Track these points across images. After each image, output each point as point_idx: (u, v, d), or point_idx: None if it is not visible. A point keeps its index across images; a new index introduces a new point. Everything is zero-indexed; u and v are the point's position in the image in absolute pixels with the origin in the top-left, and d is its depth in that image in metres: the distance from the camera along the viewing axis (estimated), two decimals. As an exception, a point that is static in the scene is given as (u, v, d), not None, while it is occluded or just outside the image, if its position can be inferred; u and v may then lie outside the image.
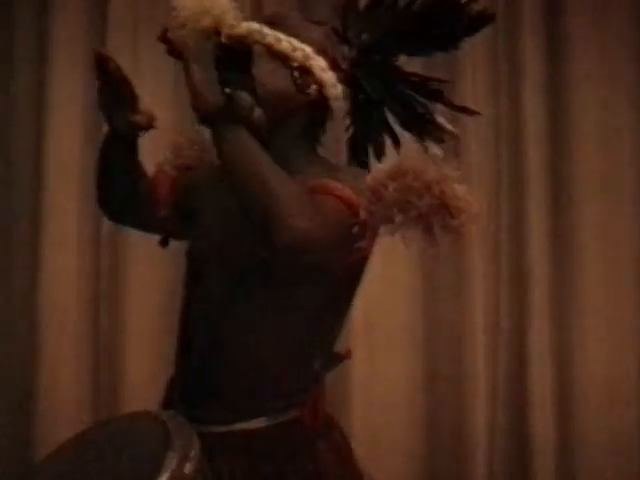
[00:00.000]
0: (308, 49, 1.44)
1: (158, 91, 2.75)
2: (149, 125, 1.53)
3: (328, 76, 1.46)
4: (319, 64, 1.45)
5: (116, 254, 2.71)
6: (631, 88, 2.83)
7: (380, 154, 1.56)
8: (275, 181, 1.31)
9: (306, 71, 1.45)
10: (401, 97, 1.54)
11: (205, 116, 1.32)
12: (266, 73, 1.43)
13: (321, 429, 1.51)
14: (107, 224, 2.62)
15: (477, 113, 1.66)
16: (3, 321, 2.75)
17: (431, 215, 1.36)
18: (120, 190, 1.62)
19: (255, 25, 1.43)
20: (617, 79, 2.82)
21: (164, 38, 1.35)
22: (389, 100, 1.54)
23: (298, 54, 1.44)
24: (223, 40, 1.40)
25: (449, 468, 2.75)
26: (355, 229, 1.37)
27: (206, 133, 1.57)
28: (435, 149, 1.54)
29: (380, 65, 1.54)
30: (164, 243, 1.69)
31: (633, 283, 2.82)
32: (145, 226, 1.72)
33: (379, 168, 1.44)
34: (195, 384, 1.49)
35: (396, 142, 1.56)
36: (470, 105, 2.61)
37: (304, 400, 1.48)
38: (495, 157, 2.81)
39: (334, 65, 1.48)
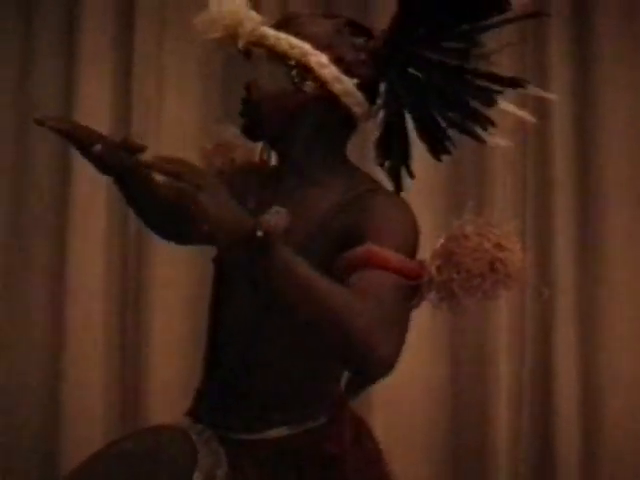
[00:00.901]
0: (306, 46, 1.40)
1: (184, 94, 2.77)
2: (136, 152, 1.43)
3: (329, 71, 1.40)
4: (318, 60, 1.39)
5: (142, 255, 2.72)
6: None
7: (406, 157, 1.47)
8: (345, 311, 1.16)
9: (306, 69, 1.40)
10: (438, 88, 1.43)
11: (238, 247, 1.13)
12: (264, 75, 1.42)
13: (349, 435, 1.48)
14: (134, 224, 2.64)
15: (524, 84, 1.52)
16: (29, 323, 2.77)
17: (491, 291, 1.29)
18: (154, 216, 1.61)
19: (263, 29, 1.42)
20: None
21: (147, 163, 1.13)
22: (422, 92, 1.43)
23: (295, 52, 1.40)
24: (240, 47, 1.41)
25: (472, 471, 2.74)
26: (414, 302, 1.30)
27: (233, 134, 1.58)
28: (487, 137, 1.47)
29: (412, 55, 1.42)
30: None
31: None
32: (198, 241, 1.67)
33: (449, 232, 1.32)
34: (224, 393, 1.47)
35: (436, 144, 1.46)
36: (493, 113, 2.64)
37: (330, 408, 1.46)
38: (522, 163, 2.80)
39: (339, 59, 1.41)
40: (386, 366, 1.19)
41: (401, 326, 1.24)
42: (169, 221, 1.51)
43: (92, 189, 2.69)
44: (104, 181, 1.65)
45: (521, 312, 2.78)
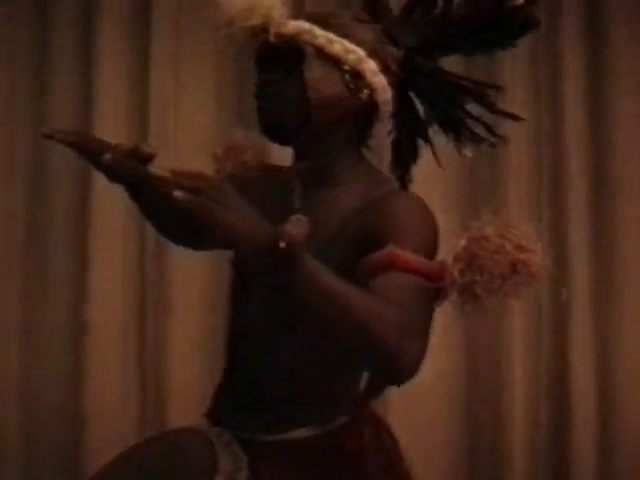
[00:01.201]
0: (361, 52, 1.39)
1: (201, 96, 2.78)
2: (147, 159, 1.42)
3: (379, 80, 1.40)
4: (371, 67, 1.39)
5: (161, 255, 2.73)
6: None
7: (415, 156, 1.52)
8: (369, 318, 1.15)
9: (358, 75, 1.39)
10: (445, 99, 1.48)
11: (260, 258, 1.10)
12: (319, 77, 1.38)
13: (369, 435, 1.48)
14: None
15: (521, 119, 1.58)
16: (49, 324, 2.78)
17: (513, 292, 1.30)
18: (167, 224, 1.61)
19: (305, 24, 1.38)
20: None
21: (163, 179, 1.12)
22: (434, 102, 1.49)
23: (351, 57, 1.38)
24: (271, 39, 1.36)
25: (489, 468, 2.75)
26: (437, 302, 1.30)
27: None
28: (467, 151, 1.50)
29: (425, 67, 1.48)
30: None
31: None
32: (214, 248, 1.63)
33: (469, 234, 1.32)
34: (244, 394, 1.47)
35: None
36: (510, 109, 2.64)
37: (351, 408, 1.47)
38: (537, 159, 2.81)
39: (385, 68, 1.41)
40: (411, 371, 1.20)
41: (425, 329, 1.24)
42: (183, 229, 1.53)
43: (111, 190, 2.70)
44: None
45: (537, 309, 2.79)
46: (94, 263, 2.71)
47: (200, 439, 1.42)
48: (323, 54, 1.38)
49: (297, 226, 1.18)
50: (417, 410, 2.69)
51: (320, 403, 1.44)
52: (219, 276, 2.46)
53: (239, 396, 1.48)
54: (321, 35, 1.37)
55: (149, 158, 1.42)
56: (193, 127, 2.73)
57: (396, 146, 1.54)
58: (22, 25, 2.80)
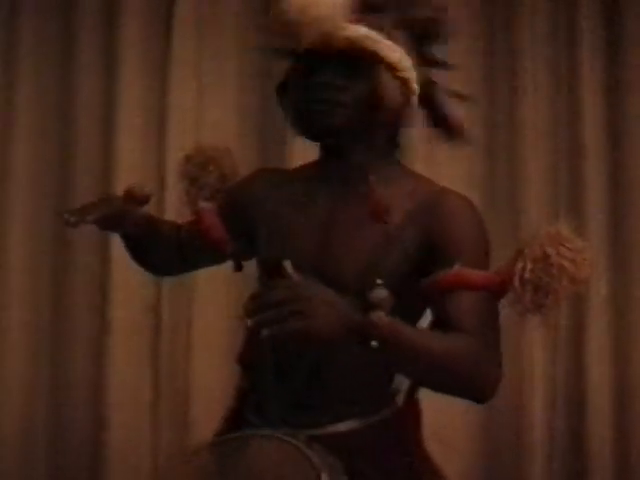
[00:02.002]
0: (409, 60, 1.42)
1: (222, 100, 2.79)
2: (143, 201, 1.58)
3: (415, 88, 1.45)
4: (411, 76, 1.43)
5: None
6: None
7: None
8: (455, 363, 1.30)
9: (405, 81, 1.43)
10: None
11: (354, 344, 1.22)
12: (384, 84, 1.40)
13: (414, 427, 1.52)
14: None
15: (468, 98, 1.55)
16: (75, 330, 2.81)
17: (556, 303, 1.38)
18: (158, 258, 1.73)
19: (363, 29, 1.37)
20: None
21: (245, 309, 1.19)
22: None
23: (405, 65, 1.42)
24: (336, 43, 1.35)
25: (507, 469, 2.77)
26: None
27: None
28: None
29: None
30: (239, 269, 1.67)
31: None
32: (221, 262, 1.72)
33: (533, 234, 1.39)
34: (293, 391, 1.47)
35: None
36: (531, 113, 2.64)
37: (395, 404, 1.49)
38: (553, 164, 2.81)
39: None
40: (493, 391, 1.34)
41: (499, 345, 1.37)
42: (176, 259, 1.69)
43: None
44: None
45: (555, 313, 2.78)
46: (118, 270, 2.72)
47: (299, 455, 1.37)
48: (382, 60, 1.39)
49: (383, 303, 1.25)
50: (437, 412, 2.68)
51: (367, 396, 1.46)
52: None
53: (288, 394, 1.47)
54: (381, 41, 1.39)
55: (145, 200, 1.57)
56: (215, 131, 2.74)
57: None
58: (46, 31, 2.83)
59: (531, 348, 2.74)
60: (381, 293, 1.25)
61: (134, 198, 1.63)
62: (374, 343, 1.19)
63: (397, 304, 1.27)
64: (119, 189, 2.66)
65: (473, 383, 1.32)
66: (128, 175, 2.72)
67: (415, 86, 1.44)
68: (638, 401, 2.77)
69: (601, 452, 2.73)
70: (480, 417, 2.77)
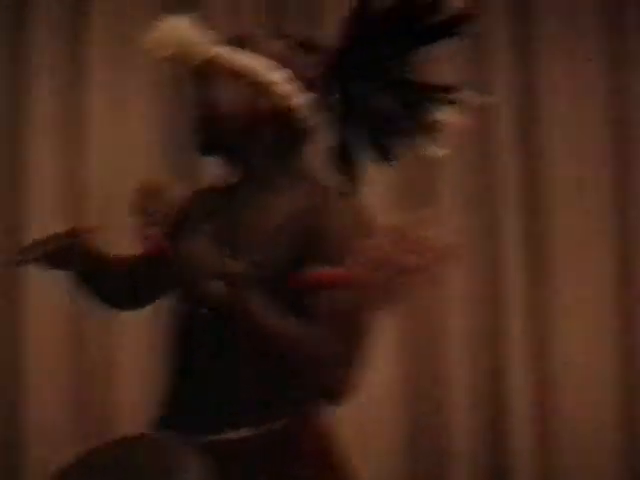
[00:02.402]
0: (263, 64, 1.49)
1: (137, 110, 2.76)
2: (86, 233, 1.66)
3: (285, 88, 1.50)
4: (274, 78, 1.49)
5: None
6: (600, 95, 2.90)
7: (363, 164, 1.58)
8: (305, 353, 1.37)
9: (263, 86, 1.49)
10: (390, 97, 1.56)
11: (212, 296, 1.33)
12: (224, 93, 1.50)
13: (312, 436, 1.51)
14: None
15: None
16: None
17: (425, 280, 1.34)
18: (113, 291, 1.78)
19: (213, 48, 1.50)
20: (586, 89, 2.89)
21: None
22: (376, 102, 1.56)
23: (250, 70, 1.49)
24: (187, 65, 1.49)
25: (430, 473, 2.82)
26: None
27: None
28: (434, 149, 1.55)
29: (363, 67, 1.56)
30: None
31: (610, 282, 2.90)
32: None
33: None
34: (192, 398, 1.50)
35: (382, 154, 1.57)
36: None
37: (293, 414, 1.49)
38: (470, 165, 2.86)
39: (298, 75, 1.50)
40: (346, 395, 1.38)
41: (357, 339, 1.39)
42: (130, 291, 1.77)
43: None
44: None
45: (474, 312, 2.85)
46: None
47: (158, 448, 1.42)
48: (228, 72, 1.49)
49: (231, 276, 1.32)
50: (365, 416, 2.73)
51: (256, 409, 1.47)
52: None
53: (187, 400, 1.51)
54: (225, 54, 1.50)
55: (88, 231, 1.66)
56: (130, 141, 2.76)
57: (340, 151, 1.59)
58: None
59: (449, 349, 2.80)
60: (232, 266, 1.33)
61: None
62: (204, 310, 1.30)
63: (283, 293, 1.39)
64: (31, 208, 2.68)
65: (318, 376, 1.38)
66: (41, 190, 2.71)
67: (284, 89, 1.49)
68: (560, 398, 2.85)
69: (523, 451, 2.80)
70: (402, 417, 2.81)
